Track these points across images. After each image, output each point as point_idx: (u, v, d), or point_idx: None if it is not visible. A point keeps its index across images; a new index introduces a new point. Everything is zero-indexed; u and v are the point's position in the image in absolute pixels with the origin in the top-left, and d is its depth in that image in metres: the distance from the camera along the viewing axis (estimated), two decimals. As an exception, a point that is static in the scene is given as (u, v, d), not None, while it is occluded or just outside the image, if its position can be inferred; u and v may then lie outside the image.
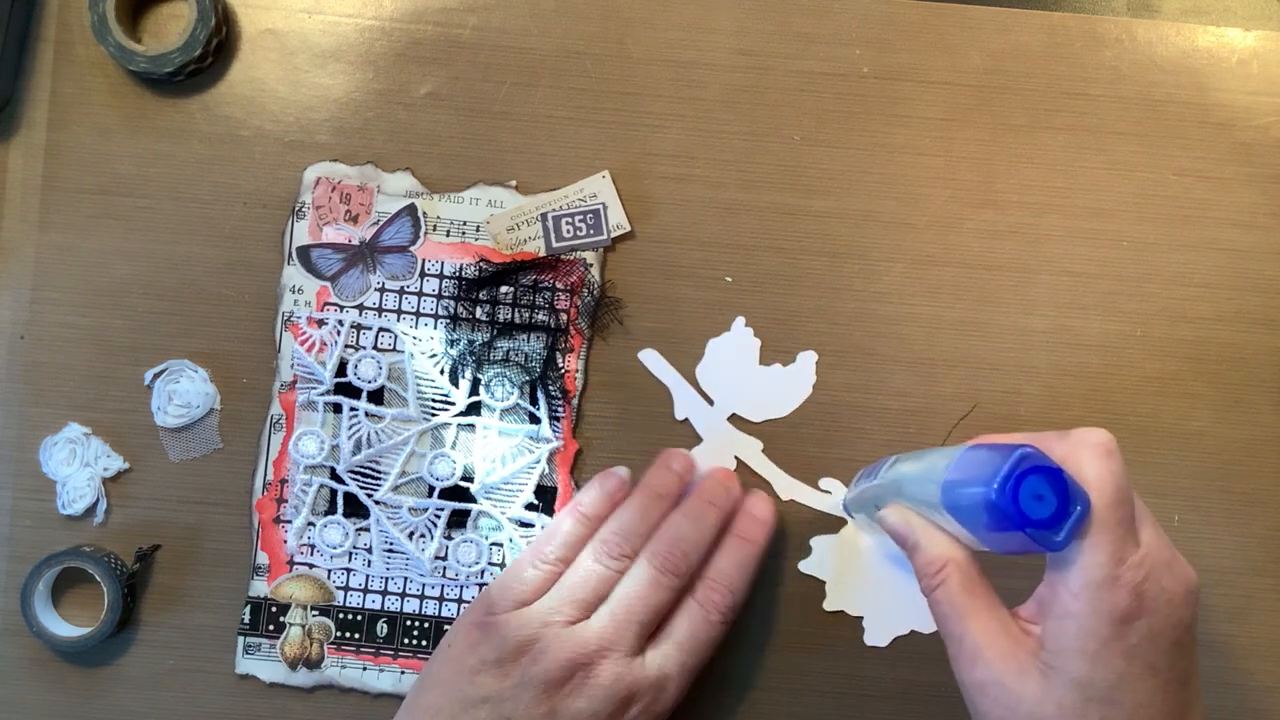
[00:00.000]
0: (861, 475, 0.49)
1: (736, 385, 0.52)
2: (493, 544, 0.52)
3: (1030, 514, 0.36)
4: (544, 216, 0.52)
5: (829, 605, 0.52)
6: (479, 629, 0.45)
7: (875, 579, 0.52)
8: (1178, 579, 0.38)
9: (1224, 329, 0.52)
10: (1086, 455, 0.38)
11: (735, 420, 0.52)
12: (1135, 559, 0.37)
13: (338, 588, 0.51)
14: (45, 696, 0.51)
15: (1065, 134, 0.52)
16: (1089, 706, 0.37)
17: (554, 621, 0.45)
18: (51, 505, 0.51)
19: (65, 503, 0.51)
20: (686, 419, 0.52)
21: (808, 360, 0.52)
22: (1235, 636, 0.52)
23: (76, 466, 0.51)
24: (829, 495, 0.52)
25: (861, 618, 0.52)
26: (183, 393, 0.51)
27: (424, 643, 0.51)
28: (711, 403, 0.52)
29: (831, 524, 0.52)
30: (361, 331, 0.51)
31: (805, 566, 0.52)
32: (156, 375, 0.52)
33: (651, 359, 0.52)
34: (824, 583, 0.52)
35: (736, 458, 0.52)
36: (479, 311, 0.51)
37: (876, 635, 0.52)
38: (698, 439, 0.52)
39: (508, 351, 0.51)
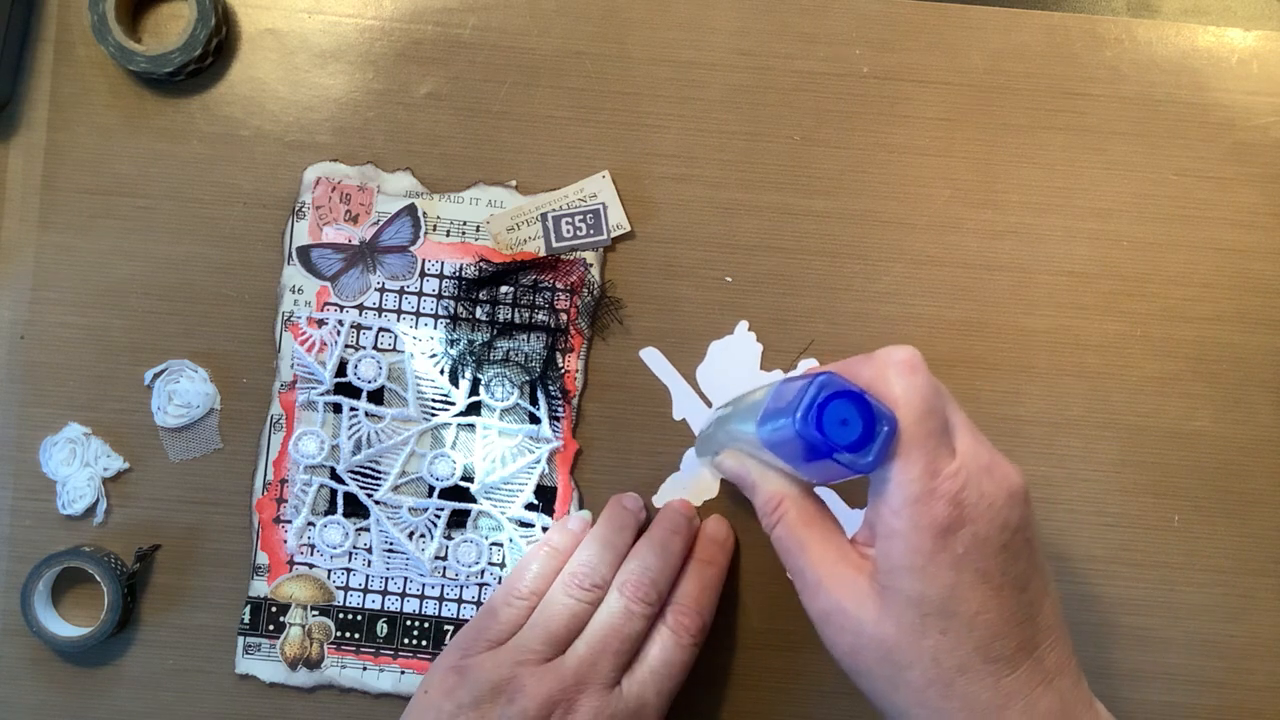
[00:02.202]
0: (702, 427, 0.49)
1: (736, 389, 0.52)
2: (493, 544, 0.52)
3: (837, 439, 0.36)
4: (544, 216, 0.52)
5: None
6: (454, 673, 0.45)
7: None
8: (998, 483, 0.38)
9: (1224, 329, 0.52)
10: (892, 374, 0.38)
11: (734, 424, 0.52)
12: (950, 469, 0.37)
13: (338, 588, 0.51)
14: (45, 696, 0.51)
15: (1065, 134, 0.52)
16: (927, 621, 0.37)
17: (528, 660, 0.45)
18: (51, 505, 0.51)
19: (65, 503, 0.51)
20: (684, 419, 0.52)
21: (809, 367, 0.52)
22: (1235, 636, 0.52)
23: (76, 466, 0.51)
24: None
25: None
26: (183, 393, 0.51)
27: (424, 643, 0.51)
28: (710, 404, 0.52)
29: (856, 500, 0.52)
30: (361, 331, 0.51)
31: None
32: (156, 375, 0.52)
33: (652, 357, 0.52)
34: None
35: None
36: (479, 311, 0.51)
37: None
38: (694, 440, 0.52)
39: (508, 351, 0.51)
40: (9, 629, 0.51)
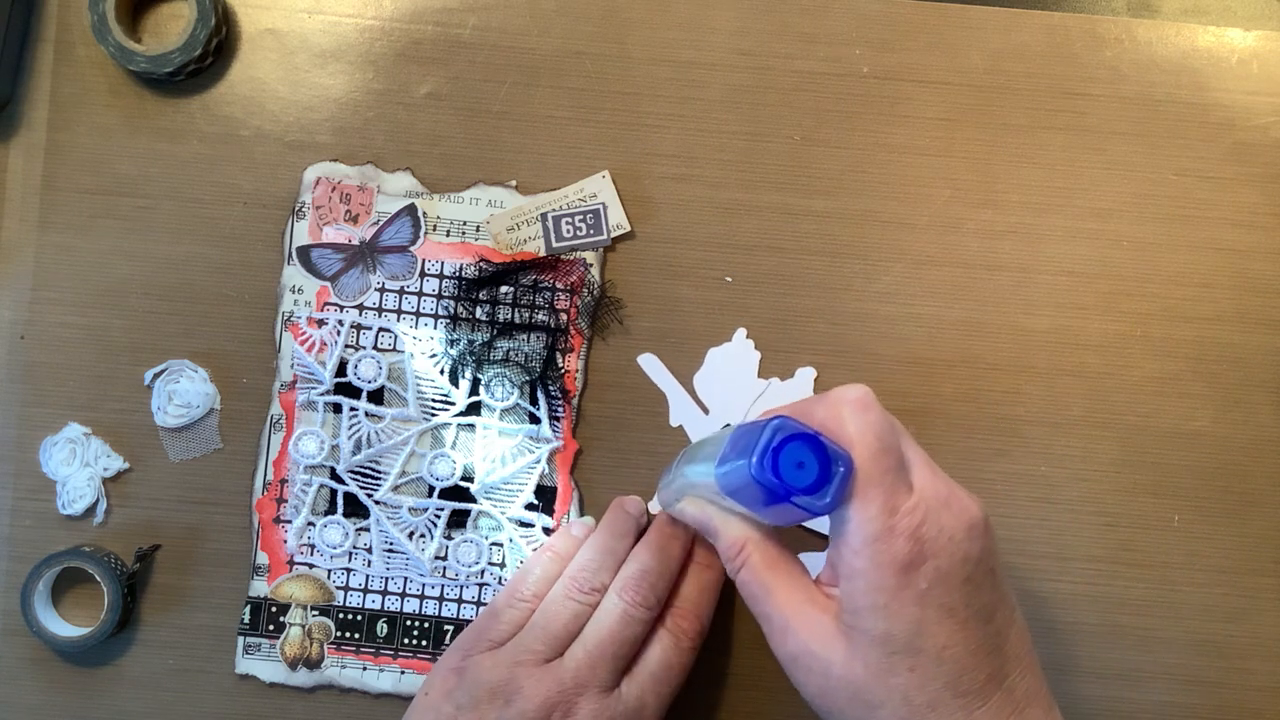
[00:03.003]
0: (663, 474, 0.49)
1: (733, 396, 0.52)
2: (493, 544, 0.52)
3: (793, 482, 0.36)
4: (544, 216, 0.52)
5: None
6: (454, 674, 0.45)
7: None
8: (957, 516, 0.37)
9: (1224, 329, 0.52)
10: (845, 413, 0.38)
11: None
12: (908, 505, 0.37)
13: (338, 588, 0.51)
14: (45, 696, 0.51)
15: (1065, 134, 0.52)
16: (894, 660, 0.37)
17: (526, 661, 0.45)
18: (51, 505, 0.51)
19: (65, 503, 0.51)
20: (680, 426, 0.52)
21: (806, 376, 0.52)
22: (1235, 636, 0.52)
23: (76, 466, 0.51)
24: None
25: None
26: (183, 393, 0.51)
27: (424, 643, 0.51)
28: (707, 412, 0.52)
29: (818, 542, 0.52)
30: (361, 331, 0.51)
31: None
32: (156, 375, 0.52)
33: (650, 364, 0.52)
34: None
35: None
36: (479, 311, 0.51)
37: None
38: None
39: (508, 351, 0.51)
40: (9, 629, 0.51)
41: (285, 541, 0.51)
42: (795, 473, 0.36)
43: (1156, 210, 0.52)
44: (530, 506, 0.52)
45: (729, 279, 0.52)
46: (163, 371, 0.52)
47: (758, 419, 0.38)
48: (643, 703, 0.45)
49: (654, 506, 0.51)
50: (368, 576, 0.51)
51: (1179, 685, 0.52)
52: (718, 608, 0.50)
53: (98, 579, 0.49)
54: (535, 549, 0.51)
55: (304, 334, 0.51)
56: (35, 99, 0.52)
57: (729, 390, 0.52)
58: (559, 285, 0.52)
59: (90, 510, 0.51)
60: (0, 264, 0.52)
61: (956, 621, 0.37)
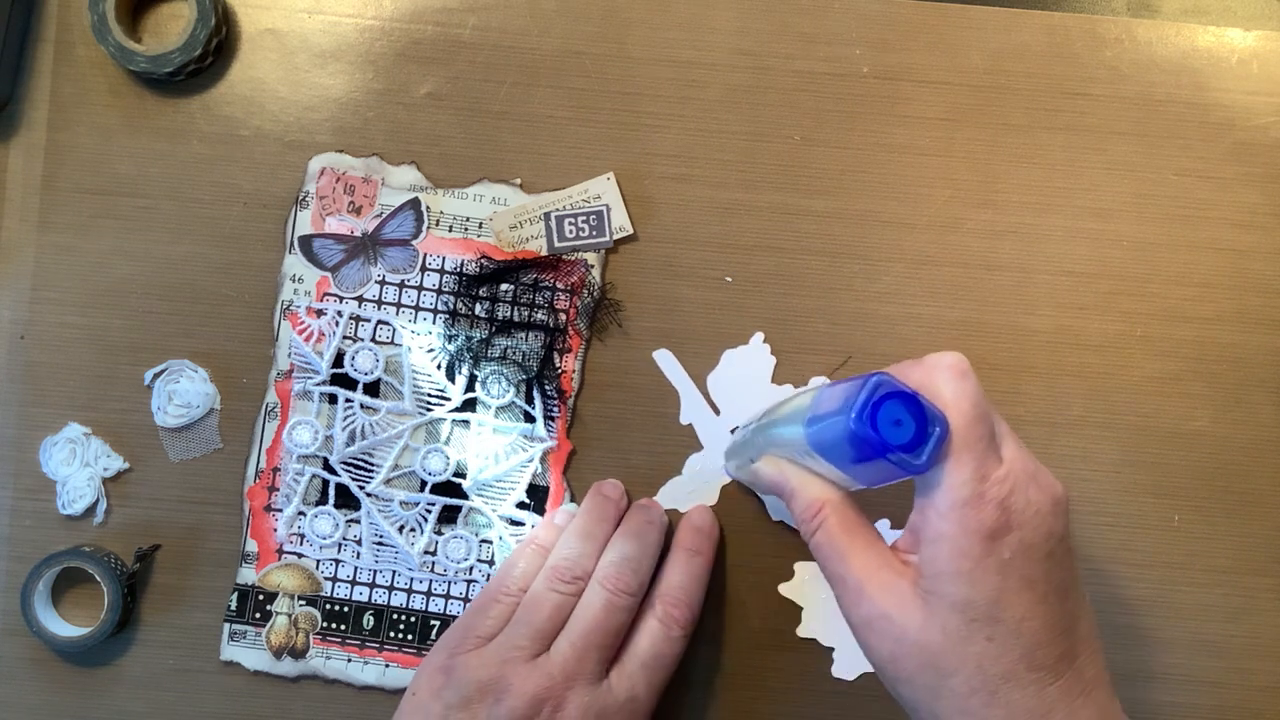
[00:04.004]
0: (737, 433, 0.49)
1: (745, 399, 0.52)
2: (483, 541, 0.52)
3: (890, 439, 0.36)
4: (547, 216, 0.52)
5: (802, 632, 0.52)
6: (442, 673, 0.45)
7: None
8: (1044, 491, 0.37)
9: (1224, 329, 0.52)
10: (941, 378, 0.37)
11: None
12: (999, 474, 0.37)
13: (326, 578, 0.51)
14: (45, 696, 0.51)
15: (1065, 134, 0.52)
16: (972, 627, 0.37)
17: (514, 657, 0.45)
18: (51, 505, 0.51)
19: (65, 503, 0.51)
20: (690, 424, 0.52)
21: (818, 385, 0.51)
22: (1235, 636, 0.52)
23: (76, 466, 0.51)
24: None
25: (832, 649, 0.52)
26: (183, 393, 0.51)
27: (409, 637, 0.51)
28: (718, 412, 0.52)
29: None
30: (360, 323, 0.51)
31: (785, 590, 0.52)
32: (156, 375, 0.52)
33: (665, 360, 0.52)
34: (802, 609, 0.52)
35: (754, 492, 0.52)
36: (478, 308, 0.51)
37: (845, 668, 0.52)
38: (698, 446, 0.52)
39: (505, 349, 0.51)
40: (9, 629, 0.51)
41: (275, 530, 0.51)
42: (892, 430, 0.36)
43: (1156, 210, 0.52)
44: (522, 505, 0.52)
45: (729, 279, 0.52)
46: (163, 371, 0.52)
47: (854, 377, 0.38)
48: (633, 693, 0.45)
49: (690, 466, 0.51)
50: (356, 568, 0.51)
51: (1179, 685, 0.52)
52: (717, 608, 0.50)
53: (98, 579, 0.49)
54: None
55: (302, 323, 0.51)
56: (35, 99, 0.52)
57: (741, 393, 0.52)
58: (559, 285, 0.52)
59: (90, 510, 0.51)
60: (0, 264, 0.52)
61: (1036, 595, 0.37)
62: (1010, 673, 0.37)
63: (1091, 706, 0.38)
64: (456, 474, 0.51)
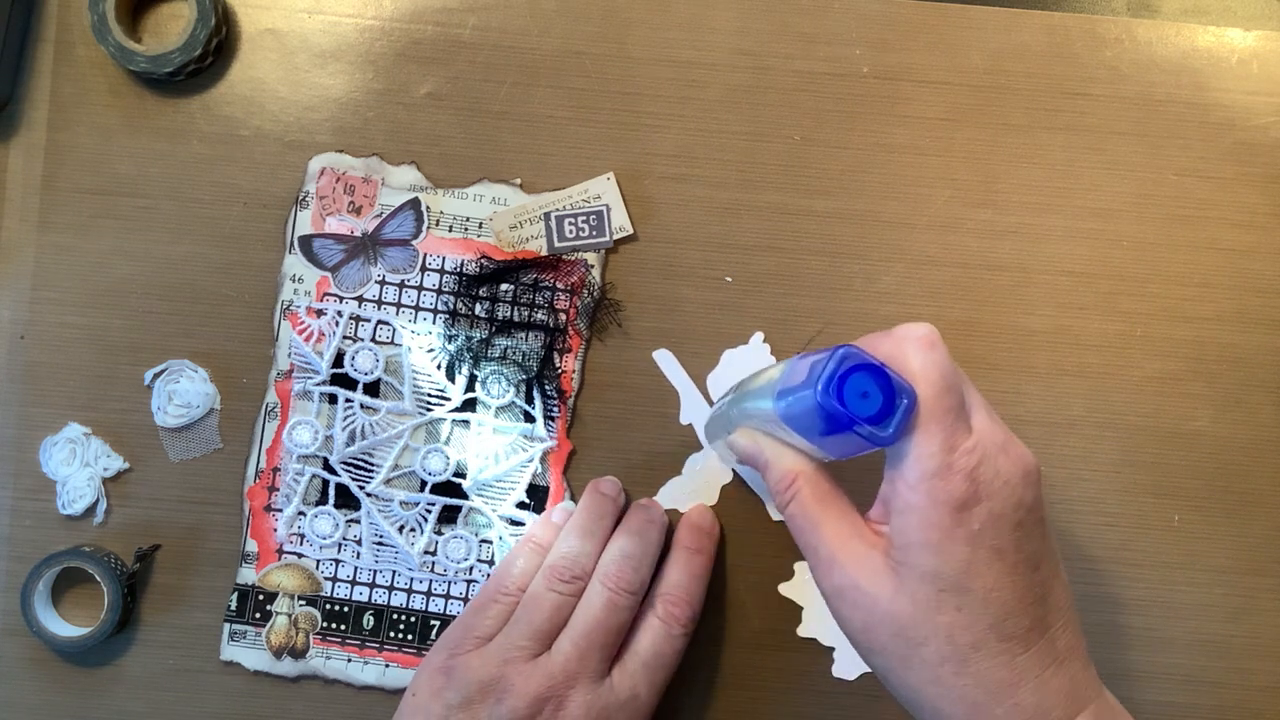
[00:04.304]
0: (714, 406, 0.49)
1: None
2: (483, 541, 0.52)
3: (857, 411, 0.36)
4: (547, 216, 0.52)
5: (803, 631, 0.52)
6: (442, 673, 0.45)
7: None
8: (1014, 461, 0.38)
9: (1224, 329, 0.52)
10: (910, 349, 0.38)
11: (738, 434, 0.52)
12: (967, 445, 0.37)
13: (326, 578, 0.51)
14: (45, 696, 0.51)
15: (1065, 134, 0.52)
16: (942, 597, 0.37)
17: (515, 657, 0.45)
18: (51, 505, 0.51)
19: (65, 503, 0.51)
20: (690, 424, 0.52)
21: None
22: (1235, 636, 0.52)
23: (76, 466, 0.51)
24: None
25: (833, 649, 0.52)
26: (183, 393, 0.51)
27: (409, 637, 0.51)
28: (719, 412, 0.52)
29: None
30: (360, 323, 0.51)
31: (786, 590, 0.52)
32: (156, 375, 0.52)
33: (665, 360, 0.52)
34: (802, 608, 0.52)
35: (734, 471, 0.52)
36: (478, 308, 0.51)
37: (845, 668, 0.52)
38: (698, 446, 0.52)
39: (505, 349, 0.51)
40: (9, 629, 0.51)
41: (275, 530, 0.51)
42: (859, 402, 0.36)
43: (1156, 210, 0.52)
44: (522, 505, 0.52)
45: (729, 279, 0.52)
46: (163, 371, 0.52)
47: (820, 350, 0.38)
48: (635, 692, 0.45)
49: (690, 465, 0.51)
50: (356, 568, 0.51)
51: (1179, 685, 0.52)
52: (717, 608, 0.50)
53: (98, 579, 0.49)
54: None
55: (302, 323, 0.51)
56: (35, 99, 0.52)
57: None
58: (559, 285, 0.52)
59: (90, 510, 0.51)
60: (0, 264, 0.52)
61: (1005, 565, 0.37)
62: (980, 642, 0.37)
63: (1063, 676, 0.38)
64: (456, 474, 0.51)
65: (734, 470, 0.52)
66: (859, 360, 0.37)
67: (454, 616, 0.51)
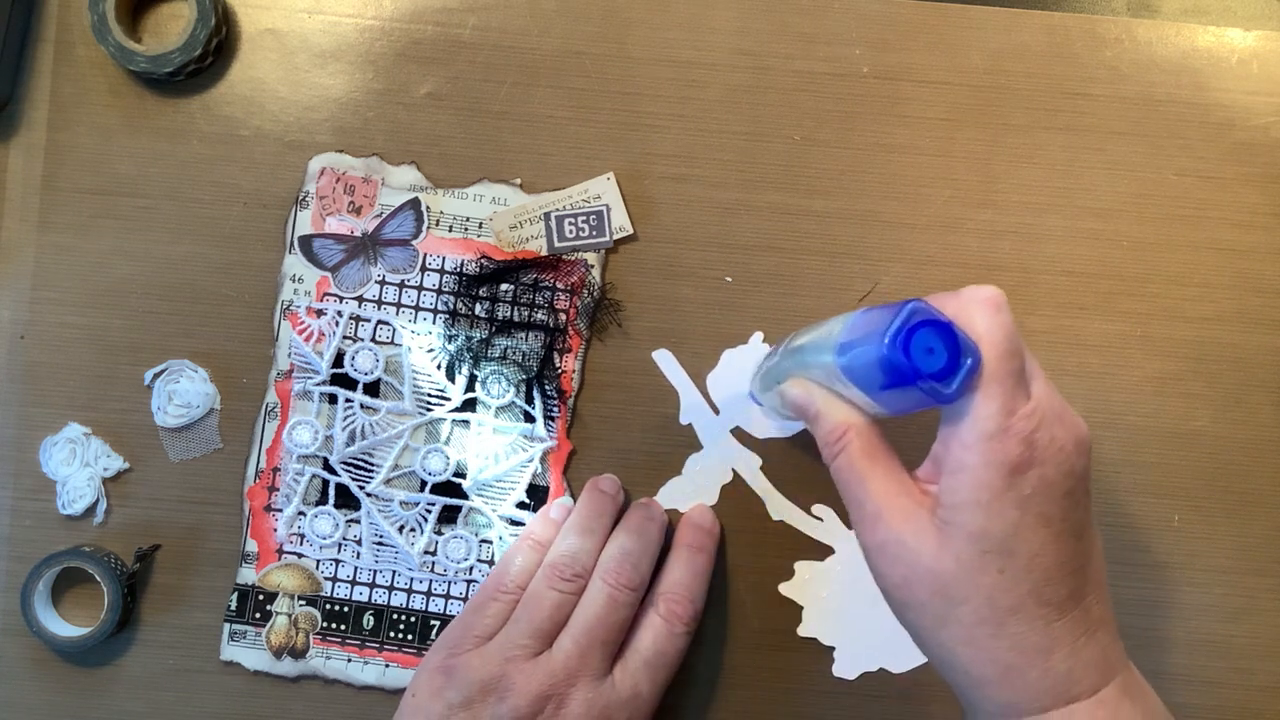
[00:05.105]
0: (764, 357, 0.48)
1: (746, 399, 0.52)
2: (483, 541, 0.52)
3: (922, 366, 0.36)
4: (547, 216, 0.52)
5: (803, 631, 0.52)
6: (442, 673, 0.45)
7: (852, 612, 0.52)
8: (1068, 430, 0.38)
9: (1224, 329, 0.52)
10: (976, 311, 0.37)
11: (738, 433, 0.52)
12: (1026, 410, 0.37)
13: (326, 578, 0.51)
14: (45, 696, 0.51)
15: (1065, 134, 0.52)
16: (985, 558, 0.37)
17: (515, 656, 0.45)
18: (51, 505, 0.51)
19: (65, 503, 0.51)
20: (690, 424, 0.52)
21: None
22: (1235, 636, 0.52)
23: (76, 466, 0.51)
24: (820, 522, 0.52)
25: (833, 648, 0.52)
26: (183, 393, 0.51)
27: (409, 637, 0.51)
28: (718, 412, 0.52)
29: (818, 551, 0.52)
30: (360, 323, 0.51)
31: (786, 589, 0.52)
32: (156, 375, 0.52)
33: (665, 360, 0.52)
34: (802, 608, 0.52)
35: (734, 470, 0.52)
36: (478, 308, 0.51)
37: (845, 668, 0.52)
38: (698, 446, 0.52)
39: (505, 349, 0.51)
40: (9, 629, 0.51)
41: (275, 530, 0.51)
42: (925, 357, 0.36)
43: (1156, 210, 0.52)
44: (522, 505, 0.52)
45: (729, 279, 0.52)
46: (163, 371, 0.52)
47: (890, 303, 0.38)
48: (636, 690, 0.45)
49: (690, 465, 0.51)
50: (356, 568, 0.51)
51: (1179, 685, 0.52)
52: (717, 608, 0.50)
53: (98, 579, 0.49)
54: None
55: (302, 323, 0.51)
56: (35, 99, 0.52)
57: (741, 393, 0.52)
58: (559, 285, 0.52)
59: (90, 510, 0.51)
60: (0, 264, 0.52)
61: (1051, 532, 0.37)
62: (1018, 606, 0.37)
63: (1094, 646, 0.38)
64: (456, 474, 0.51)
65: (734, 470, 0.52)
66: (927, 316, 0.36)
67: (454, 616, 0.51)
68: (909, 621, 0.40)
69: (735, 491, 0.52)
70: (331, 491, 0.51)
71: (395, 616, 0.51)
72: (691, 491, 0.52)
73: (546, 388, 0.51)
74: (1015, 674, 0.38)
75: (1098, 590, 0.39)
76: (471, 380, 0.51)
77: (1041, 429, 0.37)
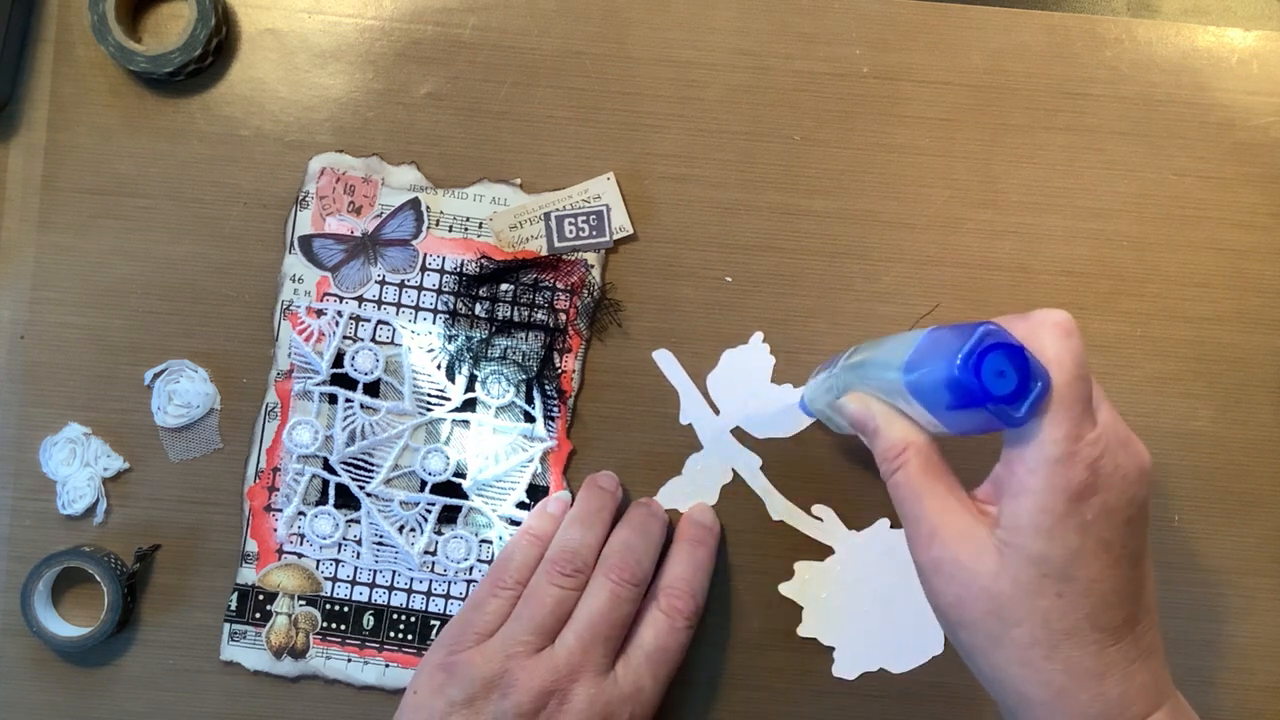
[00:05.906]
0: (819, 369, 0.49)
1: (745, 399, 0.52)
2: (483, 541, 0.52)
3: (993, 390, 0.36)
4: (547, 216, 0.52)
5: (803, 631, 0.52)
6: (443, 670, 0.45)
7: (852, 612, 0.52)
8: (1132, 457, 0.38)
9: (1224, 329, 0.52)
10: (1047, 335, 0.38)
11: (738, 433, 0.52)
12: (1092, 436, 0.37)
13: (326, 578, 0.51)
14: (45, 696, 0.51)
15: (1065, 134, 0.52)
16: (1044, 582, 0.37)
17: (517, 652, 0.45)
18: (51, 505, 0.51)
19: (65, 503, 0.51)
20: (690, 424, 0.52)
21: None
22: (1235, 636, 0.52)
23: (76, 466, 0.51)
24: (820, 522, 0.52)
25: (833, 648, 0.52)
26: (183, 393, 0.51)
27: (409, 637, 0.51)
28: (718, 412, 0.52)
29: (818, 551, 0.52)
30: (360, 323, 0.51)
31: (786, 589, 0.52)
32: (156, 375, 0.52)
33: (665, 360, 0.52)
34: (802, 608, 0.52)
35: (734, 470, 0.52)
36: (478, 308, 0.51)
37: (845, 668, 0.52)
38: (698, 446, 0.52)
39: (505, 349, 0.51)
40: (9, 629, 0.51)
41: (275, 530, 0.51)
42: (995, 380, 0.36)
43: (1156, 210, 0.52)
44: (522, 505, 0.52)
45: (729, 279, 0.52)
46: (163, 371, 0.52)
47: (961, 324, 0.38)
48: (639, 685, 0.45)
49: (690, 465, 0.51)
50: (356, 568, 0.51)
51: (1179, 685, 0.52)
52: (717, 608, 0.50)
53: (98, 579, 0.49)
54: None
55: (302, 323, 0.51)
56: (35, 99, 0.52)
57: (741, 393, 0.52)
58: (559, 285, 0.52)
59: (90, 510, 0.51)
60: (0, 264, 0.52)
61: (1111, 557, 0.37)
62: (1074, 630, 0.37)
63: (1146, 672, 0.38)
64: (456, 474, 0.51)
65: (734, 470, 0.52)
66: (1000, 339, 0.37)
67: (453, 617, 0.51)
68: (961, 641, 0.40)
69: (735, 491, 0.52)
70: (331, 491, 0.51)
71: (395, 616, 0.51)
72: (691, 491, 0.52)
73: (546, 388, 0.51)
74: (1067, 697, 0.38)
75: (1150, 617, 0.39)
76: (471, 380, 0.51)
77: (1106, 456, 0.37)
